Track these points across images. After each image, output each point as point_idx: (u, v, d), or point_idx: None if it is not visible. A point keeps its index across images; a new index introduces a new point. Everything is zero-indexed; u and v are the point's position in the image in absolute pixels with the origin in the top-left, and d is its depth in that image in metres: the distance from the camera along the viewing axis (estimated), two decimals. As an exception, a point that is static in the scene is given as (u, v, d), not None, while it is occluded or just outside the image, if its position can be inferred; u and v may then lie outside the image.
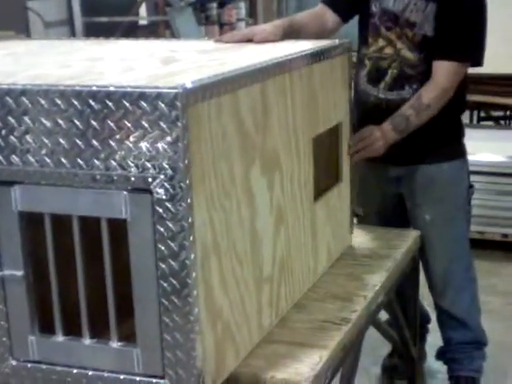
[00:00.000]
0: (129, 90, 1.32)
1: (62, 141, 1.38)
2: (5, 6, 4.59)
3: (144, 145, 1.33)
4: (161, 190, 1.34)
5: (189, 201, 1.33)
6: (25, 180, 1.42)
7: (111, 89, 1.33)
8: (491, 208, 3.83)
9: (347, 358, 1.81)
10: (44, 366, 1.49)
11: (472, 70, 2.30)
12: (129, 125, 1.33)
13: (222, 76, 1.44)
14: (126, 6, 5.87)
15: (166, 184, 1.33)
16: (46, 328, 1.49)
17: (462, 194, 2.40)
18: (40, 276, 1.47)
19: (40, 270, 1.47)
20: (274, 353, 1.63)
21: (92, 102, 1.34)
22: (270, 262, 1.68)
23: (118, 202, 1.37)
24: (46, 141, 1.38)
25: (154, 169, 1.33)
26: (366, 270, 2.08)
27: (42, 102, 1.37)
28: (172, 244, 1.35)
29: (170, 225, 1.34)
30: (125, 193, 1.36)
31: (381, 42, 2.29)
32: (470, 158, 2.45)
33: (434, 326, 2.71)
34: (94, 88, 1.34)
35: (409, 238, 2.32)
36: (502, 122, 5.48)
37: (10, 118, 1.39)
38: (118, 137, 1.34)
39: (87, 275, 1.45)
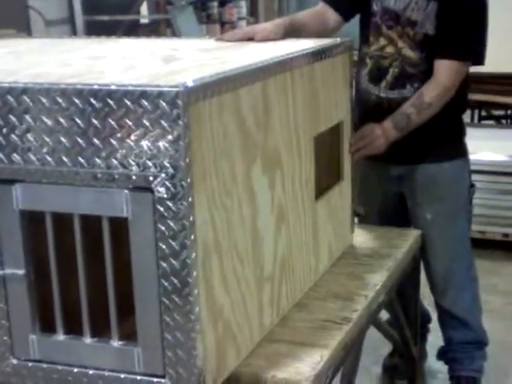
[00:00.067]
0: (130, 88, 1.32)
1: (63, 139, 1.38)
2: (6, 4, 4.59)
3: (145, 143, 1.33)
4: (162, 189, 1.33)
5: (190, 199, 1.33)
6: (26, 178, 1.42)
7: (112, 87, 1.33)
8: (492, 207, 3.82)
9: (348, 358, 1.81)
10: (45, 365, 1.49)
11: (473, 69, 2.30)
12: (130, 123, 1.33)
13: (223, 75, 1.44)
14: (127, 4, 5.87)
15: (167, 183, 1.33)
16: (47, 327, 1.49)
17: (464, 193, 2.39)
18: (41, 275, 1.47)
19: (41, 268, 1.47)
20: (275, 352, 1.63)
21: (93, 101, 1.34)
22: (271, 261, 1.68)
23: (119, 200, 1.37)
24: (48, 139, 1.38)
25: (155, 167, 1.33)
26: (366, 269, 2.08)
27: (44, 100, 1.37)
28: (173, 243, 1.35)
29: (171, 223, 1.34)
30: (126, 191, 1.36)
31: (382, 41, 2.29)
32: (471, 157, 2.44)
33: (434, 325, 2.71)
34: (96, 86, 1.34)
35: (410, 238, 2.32)
36: (503, 121, 5.48)
37: (11, 117, 1.39)
38: (119, 135, 1.34)
39: (88, 274, 1.45)
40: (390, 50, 2.28)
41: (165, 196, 1.33)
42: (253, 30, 2.11)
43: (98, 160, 1.36)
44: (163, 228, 1.35)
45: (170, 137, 1.31)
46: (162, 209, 1.34)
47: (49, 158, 1.39)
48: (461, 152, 2.39)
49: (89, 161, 1.37)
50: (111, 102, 1.33)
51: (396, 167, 2.37)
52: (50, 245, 1.45)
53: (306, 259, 1.88)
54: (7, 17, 4.49)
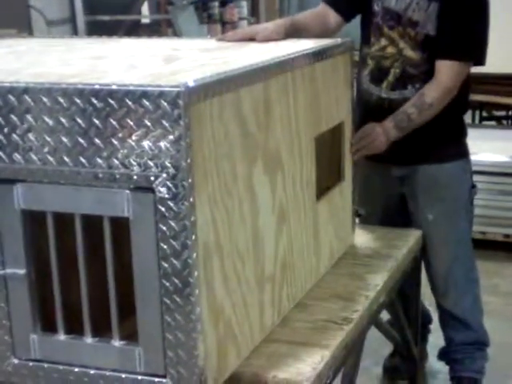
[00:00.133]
0: (131, 88, 1.32)
1: (64, 139, 1.38)
2: (7, 4, 4.59)
3: (146, 143, 1.33)
4: (163, 189, 1.33)
5: (191, 200, 1.33)
6: (27, 178, 1.42)
7: (114, 87, 1.33)
8: (493, 208, 3.82)
9: (349, 358, 1.81)
10: (46, 365, 1.49)
11: (474, 70, 2.30)
12: (131, 123, 1.33)
13: (224, 75, 1.44)
14: (128, 4, 5.87)
15: (168, 183, 1.33)
16: (48, 327, 1.49)
17: (465, 194, 2.39)
18: (42, 274, 1.47)
19: (42, 268, 1.47)
20: (276, 352, 1.63)
21: (94, 101, 1.34)
22: (272, 262, 1.68)
23: (120, 200, 1.37)
24: (49, 139, 1.38)
25: (157, 167, 1.33)
26: (367, 269, 2.08)
27: (45, 100, 1.37)
28: (174, 243, 1.35)
29: (173, 224, 1.34)
30: (127, 191, 1.36)
31: (383, 42, 2.29)
32: (472, 157, 2.44)
33: (435, 326, 2.71)
34: (97, 86, 1.34)
35: (411, 238, 2.32)
36: (504, 121, 5.48)
37: (12, 116, 1.39)
38: (120, 135, 1.34)
39: (89, 274, 1.45)
40: (391, 50, 2.28)
41: (166, 196, 1.33)
42: (254, 29, 2.11)
43: (99, 160, 1.36)
44: (164, 228, 1.35)
45: (171, 137, 1.31)
46: (163, 209, 1.34)
47: (50, 158, 1.39)
48: (462, 153, 2.39)
49: (90, 161, 1.37)
50: (112, 102, 1.33)
51: (397, 168, 2.37)
52: (51, 244, 1.45)
53: (306, 259, 1.88)
54: (8, 16, 4.50)
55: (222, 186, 1.44)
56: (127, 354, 1.44)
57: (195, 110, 1.33)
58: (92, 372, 1.46)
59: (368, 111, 2.32)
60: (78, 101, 1.35)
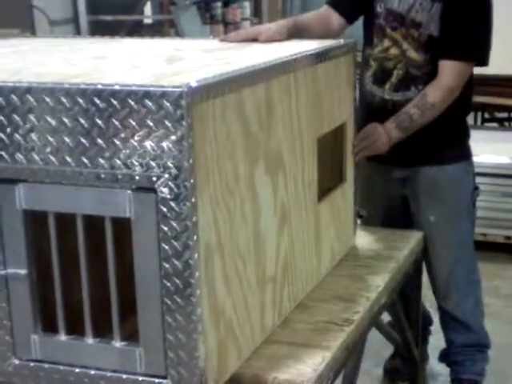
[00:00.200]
0: (134, 88, 1.32)
1: (66, 139, 1.37)
2: (10, 3, 4.59)
3: (149, 144, 1.33)
4: (165, 189, 1.33)
5: (193, 200, 1.33)
6: (29, 178, 1.42)
7: (116, 87, 1.33)
8: (494, 210, 3.82)
9: (350, 360, 1.81)
10: (46, 365, 1.49)
11: (476, 71, 2.29)
12: (134, 123, 1.33)
13: (226, 75, 1.44)
14: (130, 4, 5.87)
15: (170, 183, 1.33)
16: (49, 327, 1.49)
17: (467, 195, 2.39)
18: (43, 275, 1.47)
19: (43, 268, 1.47)
20: (277, 353, 1.63)
21: (97, 101, 1.34)
22: (274, 262, 1.68)
23: (122, 200, 1.37)
24: (51, 139, 1.38)
25: (159, 168, 1.33)
26: (368, 271, 2.07)
27: (47, 100, 1.36)
28: (176, 243, 1.35)
29: (174, 224, 1.34)
30: (129, 192, 1.36)
31: (386, 43, 2.29)
32: (474, 159, 2.44)
33: (436, 327, 2.71)
34: (100, 86, 1.34)
35: (412, 240, 2.31)
36: (506, 123, 5.47)
37: (14, 116, 1.39)
38: (122, 135, 1.34)
39: (90, 274, 1.45)
40: (394, 51, 2.27)
41: (168, 196, 1.33)
42: (257, 30, 2.11)
43: (101, 160, 1.36)
44: (166, 228, 1.35)
45: (173, 137, 1.31)
46: (164, 209, 1.34)
47: (52, 158, 1.39)
48: (464, 154, 2.38)
49: (92, 161, 1.37)
50: (115, 102, 1.33)
51: (399, 169, 2.37)
52: (53, 245, 1.45)
53: (308, 260, 1.88)
54: (11, 16, 4.50)
55: (224, 186, 1.44)
56: (128, 355, 1.44)
57: (198, 110, 1.33)
58: (93, 372, 1.46)
59: (371, 112, 2.32)
60: (80, 101, 1.35)
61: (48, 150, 1.39)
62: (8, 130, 1.40)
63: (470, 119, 2.48)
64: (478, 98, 4.43)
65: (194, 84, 1.32)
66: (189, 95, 1.30)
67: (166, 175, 1.33)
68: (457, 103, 2.24)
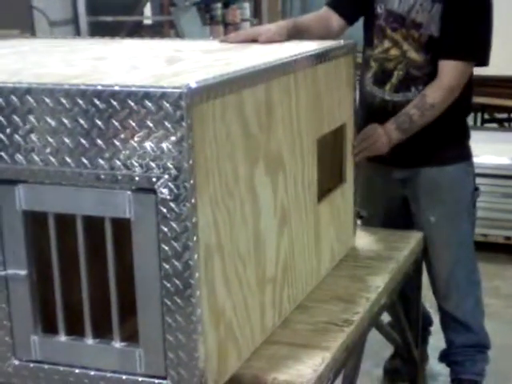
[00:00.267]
0: (134, 89, 1.32)
1: (66, 140, 1.38)
2: (10, 4, 4.59)
3: (148, 144, 1.33)
4: (165, 190, 1.33)
5: (193, 201, 1.33)
6: (29, 179, 1.42)
7: (116, 88, 1.33)
8: (494, 210, 3.82)
9: (349, 360, 1.81)
10: (46, 366, 1.49)
11: (476, 72, 2.30)
12: (133, 124, 1.33)
13: (226, 76, 1.44)
14: (130, 5, 5.87)
15: (170, 184, 1.33)
16: (49, 328, 1.49)
17: (467, 196, 2.39)
18: (43, 275, 1.47)
19: (43, 269, 1.47)
20: (276, 354, 1.63)
21: (97, 102, 1.34)
22: (273, 263, 1.68)
23: (122, 201, 1.37)
24: (51, 140, 1.38)
25: (159, 169, 1.33)
26: (368, 271, 2.07)
27: (47, 100, 1.37)
28: (175, 244, 1.35)
29: (174, 225, 1.34)
30: (129, 192, 1.36)
31: (386, 44, 2.29)
32: (474, 160, 2.44)
33: (436, 328, 2.71)
34: (99, 87, 1.34)
35: (412, 240, 2.31)
36: (506, 124, 5.47)
37: (14, 117, 1.39)
38: (122, 136, 1.34)
39: (90, 275, 1.45)
40: (394, 52, 2.28)
41: (168, 197, 1.33)
42: (257, 31, 2.11)
43: (101, 161, 1.36)
44: (166, 229, 1.35)
45: (173, 138, 1.31)
46: (164, 210, 1.34)
47: (52, 159, 1.39)
48: (464, 155, 2.38)
49: (92, 161, 1.37)
50: (115, 103, 1.33)
51: (399, 170, 2.37)
52: (53, 245, 1.45)
53: (308, 261, 1.88)
54: (11, 17, 4.50)
55: (224, 187, 1.44)
56: (128, 356, 1.44)
57: (197, 111, 1.33)
58: (92, 373, 1.46)
59: (371, 113, 2.32)
60: (80, 102, 1.35)
61: (48, 150, 1.39)
62: (8, 130, 1.40)
63: (469, 120, 2.48)
64: (478, 99, 4.43)
65: (193, 85, 1.32)
66: (188, 96, 1.30)
67: (166, 176, 1.33)
68: (457, 104, 2.24)
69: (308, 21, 2.29)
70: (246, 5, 7.17)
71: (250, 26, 6.84)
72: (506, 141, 4.35)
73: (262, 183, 1.60)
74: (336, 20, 2.33)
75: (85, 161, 1.37)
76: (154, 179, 1.34)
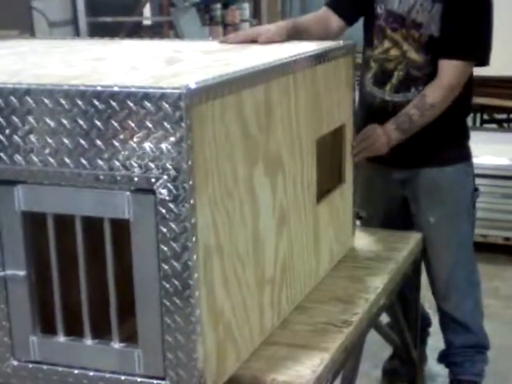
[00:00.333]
0: (133, 90, 1.32)
1: (65, 140, 1.38)
2: (9, 5, 4.59)
3: (148, 145, 1.33)
4: (164, 191, 1.33)
5: (192, 201, 1.33)
6: (28, 180, 1.42)
7: (115, 89, 1.33)
8: (493, 211, 3.82)
9: (348, 361, 1.81)
10: (45, 367, 1.49)
11: (475, 72, 2.30)
12: (133, 125, 1.33)
13: (225, 77, 1.44)
14: (130, 6, 5.87)
15: (169, 185, 1.33)
16: (48, 328, 1.49)
17: (467, 197, 2.39)
18: (42, 276, 1.47)
19: (42, 270, 1.47)
20: (275, 355, 1.63)
21: (96, 102, 1.34)
22: (272, 264, 1.68)
23: (120, 202, 1.37)
24: (50, 140, 1.38)
25: (158, 169, 1.33)
26: (367, 272, 2.07)
27: (46, 101, 1.37)
28: (174, 245, 1.35)
29: (173, 225, 1.34)
30: (128, 193, 1.36)
31: (386, 44, 2.29)
32: (473, 160, 2.44)
33: (434, 328, 2.71)
34: (99, 88, 1.34)
35: (411, 241, 2.31)
36: (506, 124, 5.47)
37: (13, 118, 1.39)
38: (121, 137, 1.34)
39: (89, 275, 1.45)
40: (394, 52, 2.27)
41: (167, 198, 1.33)
42: (256, 31, 2.11)
43: (100, 161, 1.36)
44: (165, 230, 1.35)
45: (172, 139, 1.31)
46: (163, 211, 1.34)
47: (51, 160, 1.39)
48: (464, 156, 2.38)
49: (91, 162, 1.37)
50: (114, 104, 1.33)
51: (399, 171, 2.37)
52: (52, 246, 1.45)
53: (306, 262, 1.88)
54: (11, 18, 4.50)
55: (223, 188, 1.44)
56: (127, 356, 1.44)
57: (197, 111, 1.33)
58: (91, 374, 1.46)
59: (371, 114, 2.32)
60: (79, 102, 1.35)
61: (47, 151, 1.39)
62: (7, 131, 1.40)
63: (468, 120, 2.48)
64: (477, 100, 4.43)
65: (193, 85, 1.32)
66: (188, 97, 1.30)
67: (165, 177, 1.33)
68: (457, 104, 2.24)
69: (307, 21, 2.29)
70: (246, 5, 7.17)
71: (250, 26, 6.84)
72: (505, 141, 4.35)
73: (261, 184, 1.60)
74: (335, 21, 2.33)
75: (84, 161, 1.37)
76: (153, 180, 1.34)
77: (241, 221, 1.52)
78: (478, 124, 5.20)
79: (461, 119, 2.38)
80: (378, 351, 2.71)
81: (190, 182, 1.32)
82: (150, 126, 1.32)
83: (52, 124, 1.37)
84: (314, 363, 1.59)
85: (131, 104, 1.32)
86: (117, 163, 1.35)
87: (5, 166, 1.42)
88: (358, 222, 2.39)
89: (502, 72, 4.39)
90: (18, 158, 1.41)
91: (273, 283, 1.69)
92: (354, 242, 2.25)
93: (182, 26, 5.91)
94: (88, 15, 5.37)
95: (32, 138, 1.39)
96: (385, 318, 2.44)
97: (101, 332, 1.47)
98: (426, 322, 2.77)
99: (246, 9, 7.17)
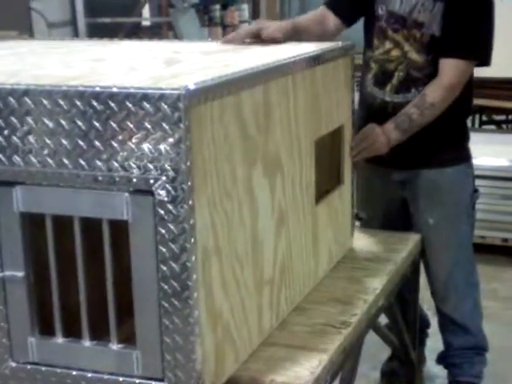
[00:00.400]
0: (132, 91, 1.32)
1: (64, 141, 1.37)
2: (8, 6, 4.59)
3: (146, 146, 1.33)
4: (162, 192, 1.33)
5: (190, 203, 1.33)
6: (26, 180, 1.41)
7: (114, 90, 1.33)
8: (492, 212, 3.82)
9: (347, 362, 1.81)
10: (43, 368, 1.49)
11: (474, 74, 2.29)
12: (131, 126, 1.33)
13: (224, 78, 1.44)
14: (129, 7, 5.88)
15: (167, 186, 1.33)
16: (46, 329, 1.49)
17: (466, 198, 2.38)
18: (40, 277, 1.47)
19: (40, 271, 1.47)
20: (274, 356, 1.63)
21: (95, 103, 1.34)
22: (271, 265, 1.68)
23: (119, 203, 1.36)
24: (49, 141, 1.38)
25: (156, 170, 1.33)
26: (366, 273, 2.07)
27: (45, 102, 1.36)
28: (173, 246, 1.35)
29: (172, 227, 1.34)
30: (126, 194, 1.36)
31: (387, 45, 2.28)
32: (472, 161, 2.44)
33: (433, 330, 2.71)
34: (97, 89, 1.34)
35: (410, 242, 2.31)
36: (504, 125, 5.48)
37: (12, 118, 1.39)
38: (120, 138, 1.34)
39: (88, 277, 1.44)
40: (395, 53, 2.27)
41: (165, 199, 1.33)
42: (258, 25, 2.12)
43: (98, 162, 1.36)
44: (163, 231, 1.35)
45: (171, 139, 1.31)
46: (162, 212, 1.34)
47: (50, 160, 1.39)
48: (464, 157, 2.38)
49: (90, 163, 1.37)
50: (113, 105, 1.33)
51: (398, 172, 2.37)
52: (50, 247, 1.45)
53: (305, 263, 1.88)
54: (9, 18, 4.50)
55: (222, 189, 1.44)
56: (125, 358, 1.44)
57: (195, 112, 1.33)
58: (90, 375, 1.46)
59: (371, 114, 2.32)
60: (78, 103, 1.35)
61: (45, 152, 1.39)
62: (5, 132, 1.40)
63: (467, 122, 2.48)
64: (476, 101, 4.40)
65: (192, 86, 1.32)
66: (187, 98, 1.30)
67: (164, 178, 1.33)
68: (457, 105, 2.23)
69: (306, 21, 2.30)
70: (245, 6, 7.18)
71: (249, 27, 6.84)
72: (504, 143, 4.35)
73: (260, 185, 1.60)
74: (332, 20, 2.33)
75: (82, 162, 1.37)
76: (152, 181, 1.34)
77: (239, 222, 1.52)
78: (476, 125, 5.20)
79: (461, 120, 2.38)
80: (376, 352, 2.70)
81: (189, 183, 1.32)
82: (149, 126, 1.32)
83: (50, 125, 1.37)
84: (312, 364, 1.59)
85: (130, 105, 1.32)
86: (115, 164, 1.35)
87: (3, 166, 1.42)
88: (357, 224, 2.38)
89: (501, 73, 4.39)
90: (16, 158, 1.41)
91: (271, 284, 1.69)
92: (353, 242, 2.25)
93: (181, 26, 5.92)
94: (87, 16, 5.38)
95: (30, 138, 1.39)
96: (383, 319, 2.44)
97: (99, 333, 1.47)
98: (425, 323, 2.77)
99: (245, 10, 7.18)
